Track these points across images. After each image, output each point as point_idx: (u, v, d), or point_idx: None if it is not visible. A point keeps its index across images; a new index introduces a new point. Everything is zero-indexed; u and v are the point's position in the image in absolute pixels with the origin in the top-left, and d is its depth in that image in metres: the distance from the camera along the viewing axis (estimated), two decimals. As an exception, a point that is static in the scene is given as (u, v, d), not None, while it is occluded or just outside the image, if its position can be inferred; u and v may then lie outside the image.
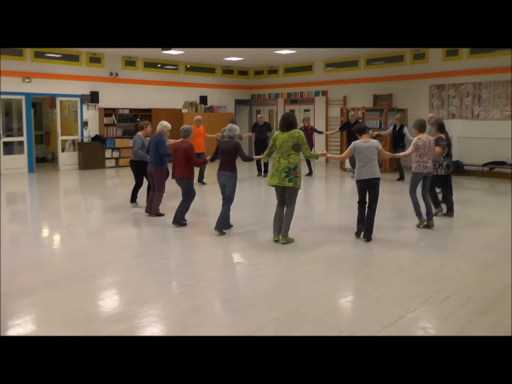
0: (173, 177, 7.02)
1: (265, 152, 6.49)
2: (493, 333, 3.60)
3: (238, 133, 6.74)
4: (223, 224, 6.59)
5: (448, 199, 7.78)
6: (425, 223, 6.85)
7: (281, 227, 6.08)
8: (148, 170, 7.76)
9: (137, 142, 8.19)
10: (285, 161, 5.93)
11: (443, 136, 7.40)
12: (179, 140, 7.18)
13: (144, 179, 8.38)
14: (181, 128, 7.16)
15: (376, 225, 6.36)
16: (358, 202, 6.38)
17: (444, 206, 7.77)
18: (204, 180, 11.12)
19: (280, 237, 6.09)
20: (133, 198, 8.59)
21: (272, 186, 6.09)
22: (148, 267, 5.22)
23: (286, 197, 6.06)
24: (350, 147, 6.42)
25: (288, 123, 6.03)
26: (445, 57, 13.09)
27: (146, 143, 8.18)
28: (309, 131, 12.36)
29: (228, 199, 6.61)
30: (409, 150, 6.93)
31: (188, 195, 6.98)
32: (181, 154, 6.86)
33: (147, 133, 8.55)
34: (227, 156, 6.57)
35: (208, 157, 7.17)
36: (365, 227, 6.24)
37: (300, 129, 11.85)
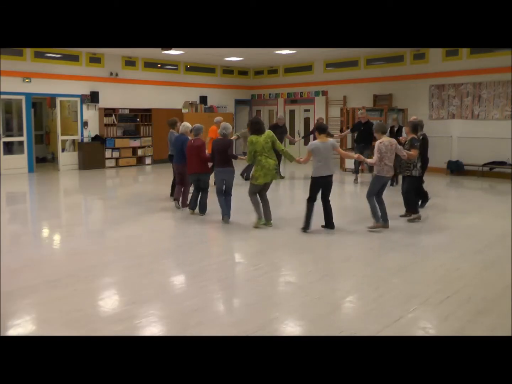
0: (191, 173, 7.60)
1: (248, 157, 6.85)
2: (493, 333, 3.60)
3: (231, 131, 7.31)
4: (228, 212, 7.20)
5: (410, 201, 7.32)
6: (380, 225, 6.66)
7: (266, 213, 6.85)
8: (177, 168, 8.32)
9: (172, 138, 8.64)
10: (271, 160, 6.63)
11: (416, 136, 7.19)
12: (191, 139, 7.66)
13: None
14: (193, 126, 7.79)
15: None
16: (309, 199, 6.56)
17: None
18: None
19: (266, 221, 6.85)
20: (173, 192, 8.60)
21: (265, 183, 6.73)
22: (148, 267, 5.22)
23: (264, 190, 6.84)
24: (308, 148, 6.62)
25: (261, 127, 6.74)
26: (445, 57, 13.09)
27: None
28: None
29: (229, 193, 7.23)
30: (375, 157, 6.66)
31: (207, 188, 7.69)
32: (196, 152, 7.41)
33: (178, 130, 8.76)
34: (223, 154, 7.06)
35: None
36: (327, 219, 6.68)
37: (313, 129, 12.06)
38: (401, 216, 7.37)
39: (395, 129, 11.31)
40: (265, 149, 6.59)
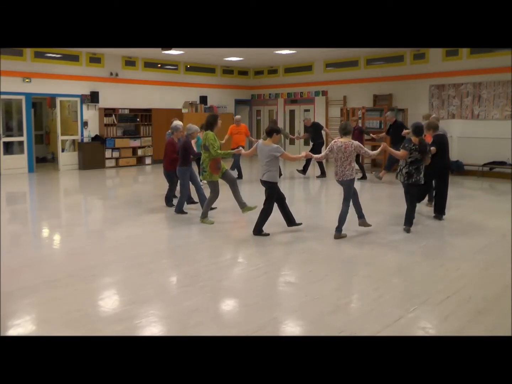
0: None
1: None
2: (493, 333, 3.60)
3: (191, 132, 7.83)
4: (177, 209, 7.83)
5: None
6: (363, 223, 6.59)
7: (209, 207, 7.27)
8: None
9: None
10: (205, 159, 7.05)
11: (414, 140, 6.53)
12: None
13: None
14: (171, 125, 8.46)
15: (375, 226, 6.51)
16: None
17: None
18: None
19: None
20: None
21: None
22: (148, 267, 5.22)
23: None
24: (255, 146, 6.62)
25: (206, 123, 7.11)
26: (445, 57, 13.09)
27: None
28: (356, 132, 11.26)
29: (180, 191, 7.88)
30: (323, 153, 6.60)
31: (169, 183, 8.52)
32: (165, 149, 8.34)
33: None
34: (181, 152, 7.66)
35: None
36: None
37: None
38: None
39: (389, 126, 11.30)
40: (204, 148, 7.04)
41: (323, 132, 12.83)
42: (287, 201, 6.63)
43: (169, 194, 8.48)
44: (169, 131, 8.70)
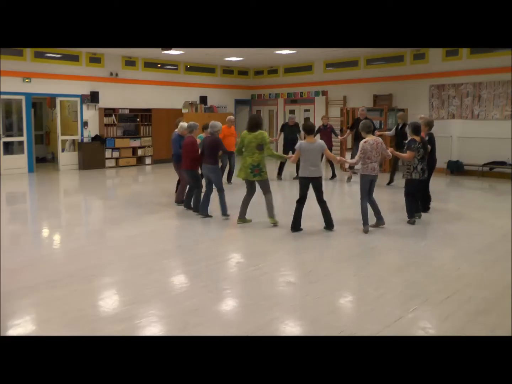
0: (183, 168, 7.93)
1: (236, 148, 7.37)
2: (493, 333, 3.60)
3: (217, 129, 7.50)
4: (224, 211, 7.46)
5: (407, 204, 7.17)
6: (367, 230, 6.58)
7: (245, 210, 7.10)
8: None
9: (177, 140, 8.52)
10: (250, 159, 6.79)
11: (417, 138, 6.96)
12: (186, 136, 7.93)
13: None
14: (188, 124, 8.00)
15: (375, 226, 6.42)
16: (297, 200, 6.63)
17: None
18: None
19: (268, 218, 6.99)
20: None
21: (246, 180, 6.97)
22: (148, 267, 5.22)
23: (261, 188, 6.94)
24: (296, 147, 6.65)
25: (253, 124, 6.86)
26: (445, 57, 13.09)
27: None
28: (328, 130, 11.87)
29: (218, 189, 7.46)
30: (356, 157, 6.71)
31: (191, 185, 7.96)
32: (185, 149, 7.76)
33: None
34: (208, 150, 7.40)
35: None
36: (326, 220, 6.70)
37: (319, 127, 12.03)
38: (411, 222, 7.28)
39: (400, 126, 11.24)
40: (249, 147, 6.80)
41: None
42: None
43: (190, 194, 8.05)
44: (177, 130, 8.45)
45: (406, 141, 7.26)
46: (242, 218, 7.10)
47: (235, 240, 6.48)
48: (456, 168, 12.66)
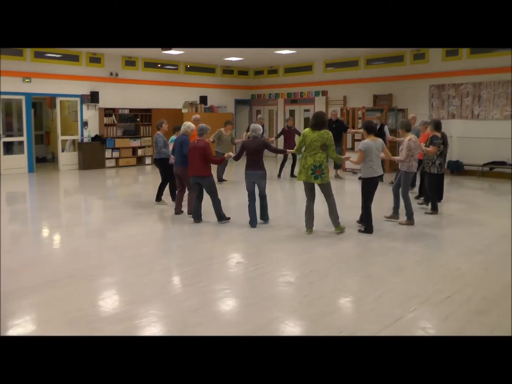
0: (191, 175, 7.10)
1: (296, 147, 6.84)
2: (493, 333, 3.60)
3: (261, 132, 7.07)
4: (267, 217, 7.12)
5: (430, 197, 7.84)
6: (413, 223, 6.96)
7: (311, 219, 6.51)
8: (175, 171, 7.80)
9: (159, 141, 8.50)
10: (311, 159, 6.23)
11: (438, 134, 7.52)
12: (195, 140, 7.22)
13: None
14: (197, 126, 7.30)
15: (376, 226, 6.50)
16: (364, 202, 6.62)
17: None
18: (224, 178, 11.25)
19: (334, 228, 6.51)
20: (159, 197, 8.63)
21: (307, 182, 6.42)
22: (148, 267, 5.22)
23: (322, 192, 6.48)
24: (361, 147, 6.49)
25: (319, 122, 6.26)
26: (445, 57, 13.09)
27: (167, 141, 8.57)
28: (292, 132, 12.07)
29: (262, 195, 6.99)
30: (403, 154, 6.87)
31: (214, 191, 7.10)
32: (198, 153, 6.95)
33: (164, 131, 8.71)
34: (254, 155, 6.81)
35: (228, 154, 7.50)
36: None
37: (283, 129, 12.13)
38: (426, 212, 7.74)
39: (377, 127, 11.26)
40: (311, 146, 6.19)
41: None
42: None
43: (218, 205, 7.14)
44: (182, 133, 7.78)
45: (429, 137, 7.65)
46: (311, 228, 6.50)
47: (235, 240, 6.48)
48: (456, 168, 12.66)
